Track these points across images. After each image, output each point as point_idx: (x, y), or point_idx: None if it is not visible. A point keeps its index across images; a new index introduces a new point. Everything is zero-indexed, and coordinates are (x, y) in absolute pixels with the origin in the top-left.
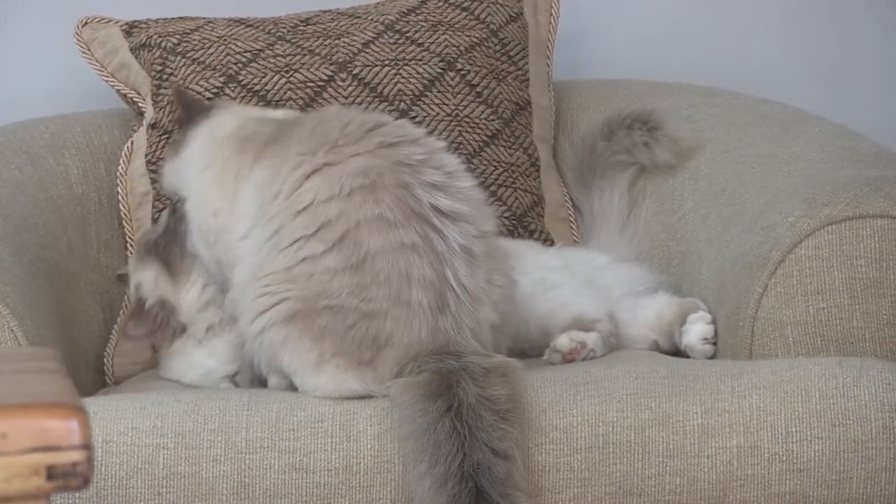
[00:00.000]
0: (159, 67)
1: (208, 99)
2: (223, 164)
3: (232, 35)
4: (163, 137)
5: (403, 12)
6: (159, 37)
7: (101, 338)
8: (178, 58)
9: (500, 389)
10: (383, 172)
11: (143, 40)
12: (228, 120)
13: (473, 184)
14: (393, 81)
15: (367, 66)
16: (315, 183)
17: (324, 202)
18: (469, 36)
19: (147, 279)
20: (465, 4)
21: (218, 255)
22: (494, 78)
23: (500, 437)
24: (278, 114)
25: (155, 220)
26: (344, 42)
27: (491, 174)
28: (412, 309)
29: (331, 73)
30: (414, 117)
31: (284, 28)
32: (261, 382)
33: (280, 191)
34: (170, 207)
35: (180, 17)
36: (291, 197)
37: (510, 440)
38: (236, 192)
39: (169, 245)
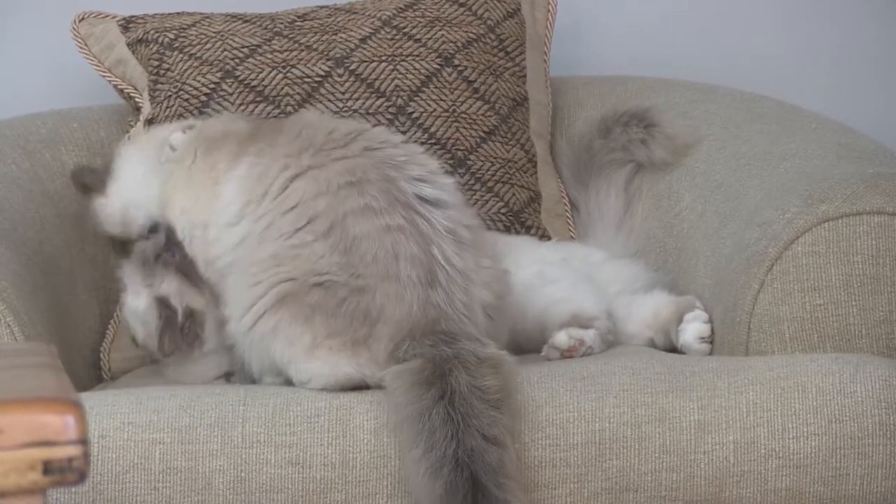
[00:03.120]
0: (156, 63)
1: (205, 94)
2: (189, 167)
3: (229, 30)
4: None
5: (400, 8)
6: (156, 32)
7: (98, 333)
8: (176, 53)
9: (491, 380)
10: (368, 170)
11: (140, 35)
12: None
13: (453, 182)
14: (390, 77)
15: (365, 61)
16: (301, 184)
17: (311, 199)
18: (466, 32)
19: (171, 291)
20: (462, 0)
21: (195, 254)
22: (491, 74)
23: (491, 423)
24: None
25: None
26: (341, 37)
27: (488, 170)
28: (402, 282)
29: (328, 69)
30: (411, 113)
31: (282, 23)
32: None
33: (268, 191)
34: (152, 225)
35: (177, 13)
36: (279, 198)
37: (500, 426)
38: (215, 185)
39: (178, 254)
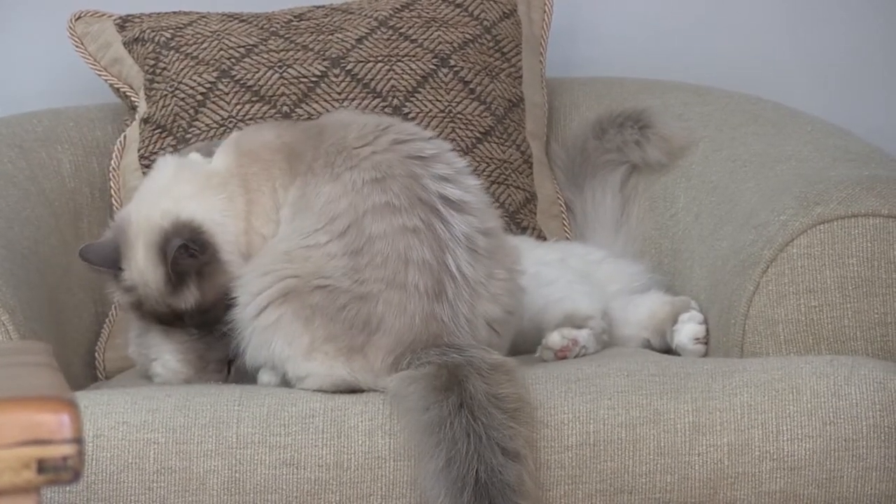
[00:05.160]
0: (152, 62)
1: (201, 94)
2: (248, 180)
3: (225, 30)
4: (155, 132)
5: (397, 8)
6: (152, 31)
7: (93, 332)
8: (172, 52)
9: (508, 388)
10: (394, 165)
11: (137, 35)
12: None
13: (479, 184)
14: (386, 77)
15: (361, 61)
16: (329, 188)
17: (336, 199)
18: (462, 32)
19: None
20: (459, 1)
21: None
22: (487, 74)
23: (511, 435)
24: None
25: None
26: (337, 38)
27: (484, 171)
28: (407, 292)
29: (324, 69)
30: (407, 113)
31: (278, 23)
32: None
33: (308, 203)
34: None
35: (174, 12)
36: (311, 200)
37: (521, 439)
38: (278, 209)
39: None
